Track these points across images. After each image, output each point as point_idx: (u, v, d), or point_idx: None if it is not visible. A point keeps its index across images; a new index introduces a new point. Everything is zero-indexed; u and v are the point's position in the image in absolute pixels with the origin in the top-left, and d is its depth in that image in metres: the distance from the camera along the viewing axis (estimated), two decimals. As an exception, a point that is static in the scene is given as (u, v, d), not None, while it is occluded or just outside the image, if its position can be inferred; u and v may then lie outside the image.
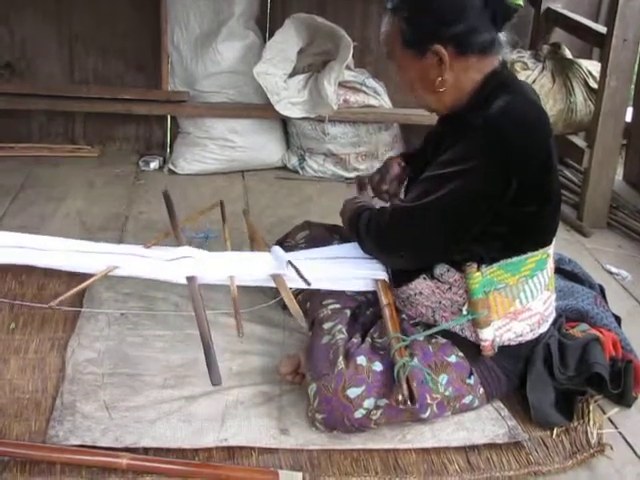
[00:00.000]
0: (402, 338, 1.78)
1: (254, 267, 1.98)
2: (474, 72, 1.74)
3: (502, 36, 1.75)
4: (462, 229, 1.74)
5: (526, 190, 1.69)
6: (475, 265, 1.75)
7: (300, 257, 2.00)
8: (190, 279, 1.91)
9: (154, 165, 3.40)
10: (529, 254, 1.79)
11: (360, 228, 1.91)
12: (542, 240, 1.82)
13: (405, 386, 1.68)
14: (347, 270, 1.96)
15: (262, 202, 3.09)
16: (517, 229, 1.75)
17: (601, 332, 2.02)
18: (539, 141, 1.71)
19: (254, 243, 2.29)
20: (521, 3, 1.75)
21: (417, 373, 1.72)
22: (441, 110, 1.83)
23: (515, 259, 1.77)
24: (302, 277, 1.85)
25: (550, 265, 1.87)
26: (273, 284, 1.93)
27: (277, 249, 2.03)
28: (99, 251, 1.99)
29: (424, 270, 1.84)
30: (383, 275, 1.94)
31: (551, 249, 1.86)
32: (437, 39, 1.70)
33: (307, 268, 1.90)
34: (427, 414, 1.76)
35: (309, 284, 1.85)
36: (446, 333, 1.83)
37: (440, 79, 1.73)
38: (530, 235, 1.78)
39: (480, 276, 1.75)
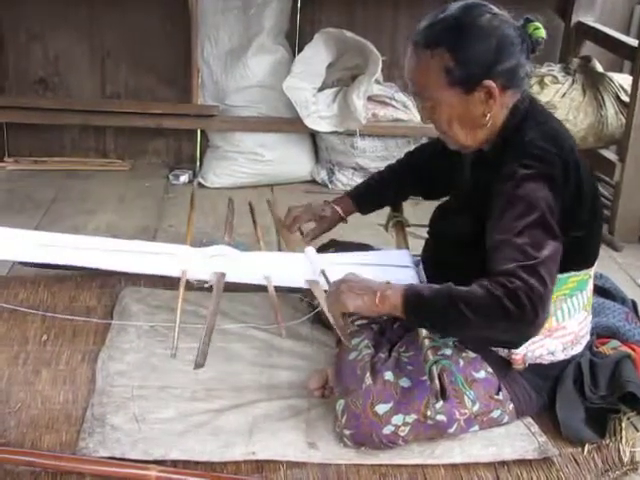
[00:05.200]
0: (434, 338, 1.75)
1: (289, 270, 2.01)
2: (506, 106, 1.71)
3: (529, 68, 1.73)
4: None
5: (568, 215, 1.66)
6: None
7: (333, 261, 2.03)
8: (218, 275, 1.94)
9: (184, 179, 3.43)
10: (572, 273, 1.76)
11: (490, 315, 1.56)
12: (585, 261, 1.80)
13: (437, 380, 1.64)
14: (379, 277, 1.95)
15: (291, 216, 3.09)
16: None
17: (633, 349, 1.99)
18: (572, 164, 1.67)
19: (283, 237, 2.29)
20: (544, 35, 1.71)
21: (451, 383, 1.71)
22: (473, 147, 1.78)
23: (557, 276, 1.75)
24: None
25: (590, 286, 1.85)
26: (307, 286, 1.97)
27: (310, 251, 2.06)
28: (132, 249, 2.06)
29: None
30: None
31: (593, 270, 1.84)
32: (489, 74, 1.65)
33: (339, 274, 1.91)
34: (454, 429, 1.75)
35: None
36: (478, 347, 1.81)
37: (489, 115, 1.69)
38: (572, 257, 1.74)
39: None
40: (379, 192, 2.23)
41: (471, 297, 1.58)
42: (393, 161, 2.30)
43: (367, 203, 2.23)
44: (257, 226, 2.33)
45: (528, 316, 1.53)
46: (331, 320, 1.76)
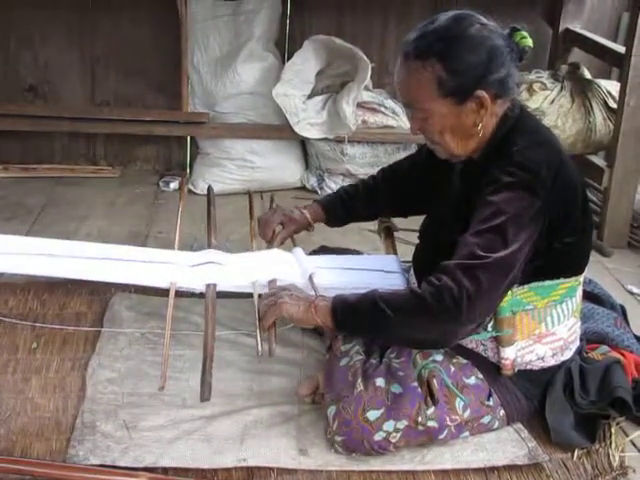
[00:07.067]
0: None
1: (278, 273, 1.99)
2: (496, 115, 1.72)
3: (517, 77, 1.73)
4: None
5: (558, 222, 1.67)
6: None
7: (321, 264, 2.04)
8: (209, 288, 1.92)
9: (174, 185, 3.42)
10: (562, 280, 1.78)
11: (408, 312, 1.62)
12: (575, 268, 1.81)
13: (426, 385, 1.65)
14: (367, 281, 1.97)
15: (281, 222, 3.09)
16: (550, 259, 1.72)
17: (622, 354, 2.00)
18: (559, 173, 1.68)
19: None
20: (530, 44, 1.71)
21: (441, 388, 1.71)
22: (463, 156, 1.78)
23: (547, 283, 1.76)
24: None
25: (580, 292, 1.86)
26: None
27: (299, 252, 2.07)
28: (122, 257, 2.05)
29: None
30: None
31: (582, 276, 1.85)
32: (481, 84, 1.65)
33: (327, 278, 1.94)
34: (444, 435, 1.76)
35: None
36: (468, 353, 1.82)
37: (481, 124, 1.69)
38: (562, 264, 1.76)
39: (510, 295, 1.73)
40: (350, 206, 2.19)
41: (393, 296, 1.64)
42: (366, 177, 2.28)
43: (336, 215, 2.20)
44: (253, 221, 2.30)
45: (449, 313, 1.57)
46: (258, 324, 1.75)
